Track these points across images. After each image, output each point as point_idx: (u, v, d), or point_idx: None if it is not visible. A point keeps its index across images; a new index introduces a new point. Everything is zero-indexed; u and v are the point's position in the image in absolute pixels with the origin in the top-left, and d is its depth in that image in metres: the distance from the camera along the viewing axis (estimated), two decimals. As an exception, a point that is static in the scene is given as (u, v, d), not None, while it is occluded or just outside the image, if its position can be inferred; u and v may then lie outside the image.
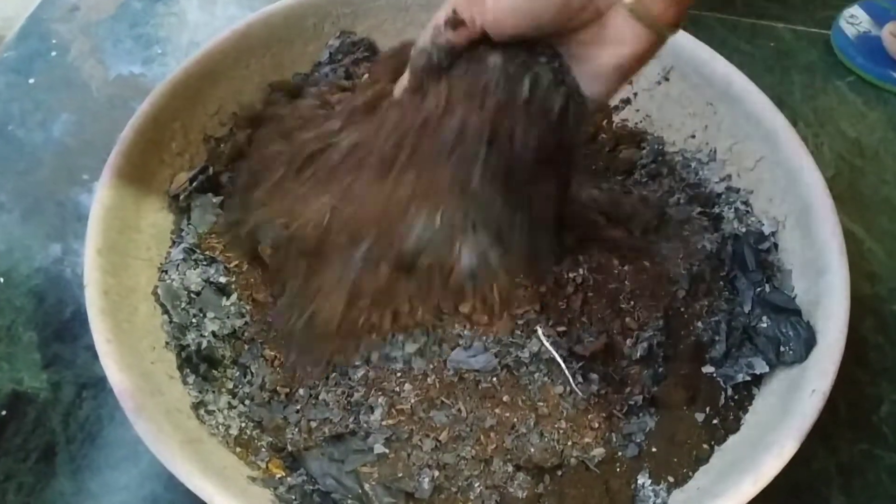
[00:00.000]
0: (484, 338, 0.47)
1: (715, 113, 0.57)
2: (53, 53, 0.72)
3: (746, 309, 0.50)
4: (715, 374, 0.49)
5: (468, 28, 0.41)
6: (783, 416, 0.43)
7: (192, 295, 0.51)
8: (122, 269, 0.49)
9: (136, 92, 0.69)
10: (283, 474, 0.46)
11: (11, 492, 0.49)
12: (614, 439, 0.47)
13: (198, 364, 0.49)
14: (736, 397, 0.48)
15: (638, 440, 0.47)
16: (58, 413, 0.51)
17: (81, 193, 0.62)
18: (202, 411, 0.47)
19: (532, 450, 0.46)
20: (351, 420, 0.47)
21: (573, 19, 0.39)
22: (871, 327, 0.55)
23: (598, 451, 0.46)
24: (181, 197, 0.55)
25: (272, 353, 0.50)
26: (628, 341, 0.48)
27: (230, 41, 0.57)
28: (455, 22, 0.41)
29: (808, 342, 0.46)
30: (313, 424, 0.47)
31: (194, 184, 0.55)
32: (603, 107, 0.44)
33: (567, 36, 0.40)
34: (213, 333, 0.50)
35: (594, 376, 0.47)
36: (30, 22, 0.74)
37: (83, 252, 0.58)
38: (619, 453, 0.47)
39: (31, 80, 0.70)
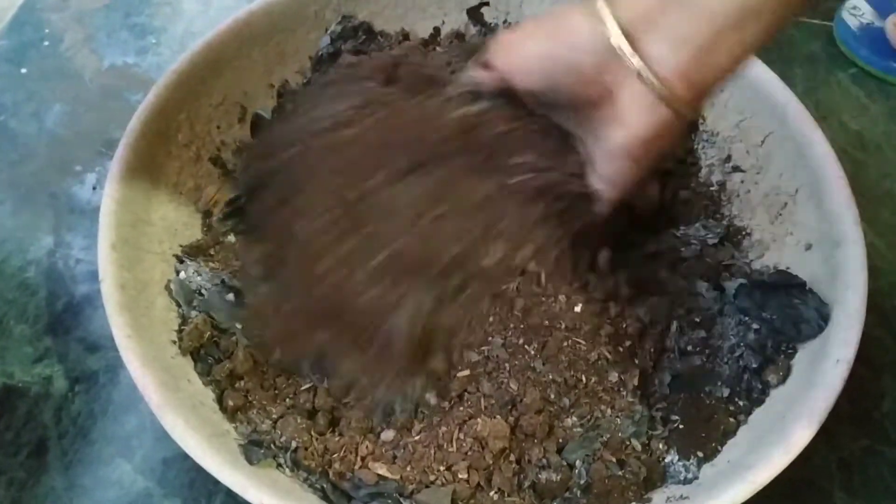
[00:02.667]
0: None
1: (720, 91, 0.56)
2: (46, 43, 0.71)
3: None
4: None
5: (492, 71, 0.43)
6: (809, 388, 0.43)
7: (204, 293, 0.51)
8: (136, 263, 0.48)
9: (130, 82, 0.68)
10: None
11: (2, 487, 0.48)
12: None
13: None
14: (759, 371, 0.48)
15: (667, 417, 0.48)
16: (50, 407, 0.51)
17: (74, 185, 0.61)
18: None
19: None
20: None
21: (584, 91, 0.40)
22: (872, 322, 0.53)
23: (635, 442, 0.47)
24: (215, 218, 0.55)
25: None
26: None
27: (232, 30, 0.56)
28: (484, 63, 0.43)
29: (821, 311, 0.46)
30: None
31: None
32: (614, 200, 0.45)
33: (586, 112, 0.41)
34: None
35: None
36: (22, 11, 0.73)
37: (76, 244, 0.58)
38: (650, 431, 0.47)
39: (24, 70, 0.69)
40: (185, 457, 0.41)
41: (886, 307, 0.56)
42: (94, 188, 0.61)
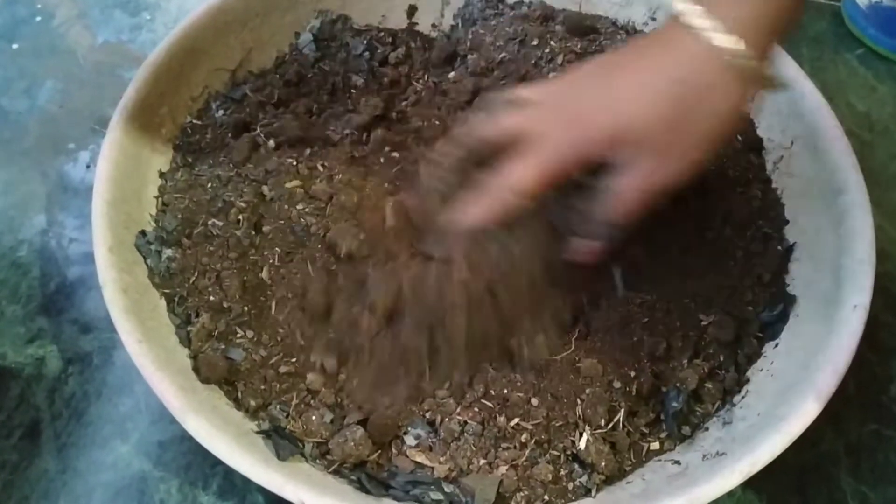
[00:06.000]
0: None
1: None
2: (38, 19, 0.69)
3: None
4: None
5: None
6: (829, 335, 0.43)
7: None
8: (134, 265, 0.47)
9: (124, 59, 0.66)
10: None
11: (-6, 470, 0.47)
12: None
13: None
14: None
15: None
16: (42, 389, 0.50)
17: (67, 163, 0.60)
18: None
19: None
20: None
21: None
22: (880, 306, 0.53)
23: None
24: None
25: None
26: None
27: (207, 17, 0.55)
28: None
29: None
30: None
31: None
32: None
33: None
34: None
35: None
36: (14, -14, 0.72)
37: (69, 224, 0.57)
38: None
39: (15, 46, 0.67)
40: (182, 439, 0.41)
41: (894, 291, 0.55)
42: (87, 166, 0.60)
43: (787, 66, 0.52)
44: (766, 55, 0.37)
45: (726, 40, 0.36)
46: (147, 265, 0.48)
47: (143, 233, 0.49)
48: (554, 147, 0.40)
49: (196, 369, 0.45)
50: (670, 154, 0.39)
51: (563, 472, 0.43)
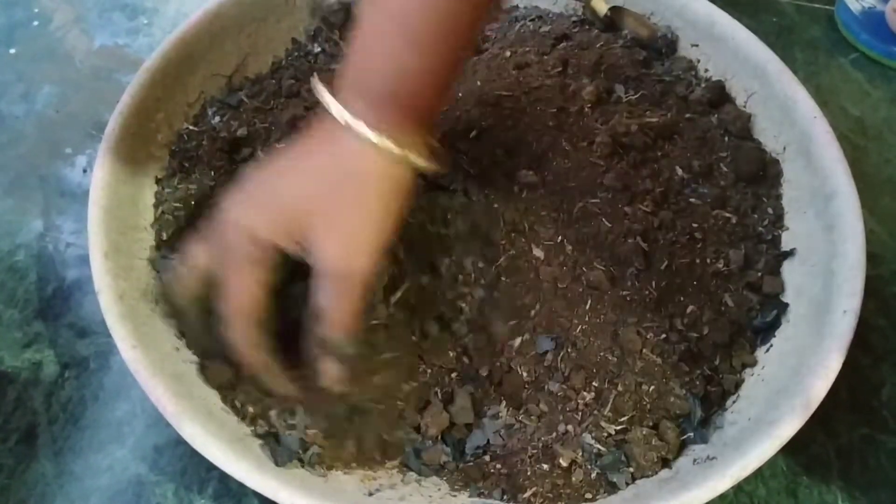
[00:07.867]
0: None
1: (702, 54, 0.57)
2: (35, 23, 0.70)
3: None
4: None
5: None
6: (820, 339, 0.43)
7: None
8: (129, 271, 0.48)
9: (121, 63, 0.67)
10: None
11: (-9, 474, 0.47)
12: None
13: None
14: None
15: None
16: (39, 393, 0.50)
17: (64, 167, 0.60)
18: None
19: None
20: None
21: None
22: (872, 310, 0.53)
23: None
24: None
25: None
26: None
27: (203, 23, 0.55)
28: None
29: None
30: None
31: None
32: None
33: None
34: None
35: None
36: (11, -10, 0.72)
37: (66, 228, 0.57)
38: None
39: (13, 51, 0.68)
40: (178, 443, 0.41)
41: (887, 295, 0.55)
42: (84, 171, 0.60)
43: (780, 73, 0.52)
44: (413, 144, 0.42)
45: (378, 140, 0.40)
46: (159, 279, 0.49)
47: (157, 247, 0.50)
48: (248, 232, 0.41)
49: (202, 372, 0.45)
50: (346, 231, 0.41)
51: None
